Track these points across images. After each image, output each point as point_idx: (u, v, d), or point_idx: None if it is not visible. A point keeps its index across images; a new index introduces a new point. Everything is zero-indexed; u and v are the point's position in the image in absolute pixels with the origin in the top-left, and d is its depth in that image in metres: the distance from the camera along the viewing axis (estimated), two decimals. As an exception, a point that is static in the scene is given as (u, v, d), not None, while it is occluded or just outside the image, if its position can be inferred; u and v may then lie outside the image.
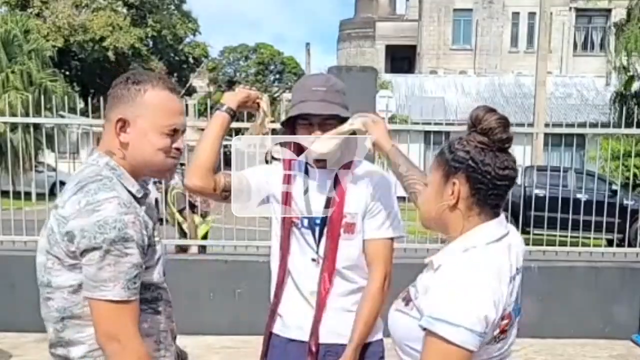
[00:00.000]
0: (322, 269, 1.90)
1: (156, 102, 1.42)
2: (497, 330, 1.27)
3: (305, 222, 1.93)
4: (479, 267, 1.26)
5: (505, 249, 1.34)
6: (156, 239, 1.44)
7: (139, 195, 1.43)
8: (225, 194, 1.91)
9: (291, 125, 1.93)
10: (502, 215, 1.40)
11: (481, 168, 1.31)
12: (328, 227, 1.90)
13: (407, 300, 1.35)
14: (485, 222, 1.34)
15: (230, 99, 1.93)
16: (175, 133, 1.46)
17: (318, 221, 1.92)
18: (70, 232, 1.31)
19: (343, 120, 1.86)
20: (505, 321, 1.28)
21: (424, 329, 1.24)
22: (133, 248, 1.31)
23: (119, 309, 1.31)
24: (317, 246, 1.92)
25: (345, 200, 1.90)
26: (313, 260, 1.92)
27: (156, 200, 5.48)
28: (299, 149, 1.98)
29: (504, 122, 1.34)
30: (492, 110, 1.35)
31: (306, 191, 1.94)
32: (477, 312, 1.20)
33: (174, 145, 1.46)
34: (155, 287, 1.44)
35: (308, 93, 1.89)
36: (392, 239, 1.95)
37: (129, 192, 1.41)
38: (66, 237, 1.32)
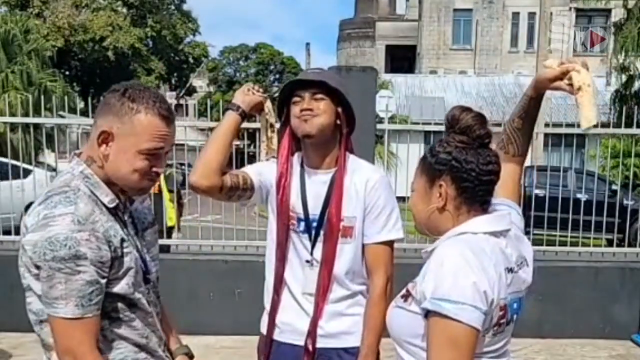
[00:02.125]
0: (320, 272, 1.88)
1: (144, 126, 1.39)
2: (495, 320, 1.27)
3: (302, 224, 1.91)
4: (473, 248, 1.28)
5: (502, 240, 1.35)
6: (125, 250, 1.40)
7: (111, 206, 1.41)
8: (230, 194, 1.90)
9: (288, 118, 1.94)
10: (504, 213, 1.40)
11: (465, 167, 1.33)
12: (326, 230, 1.87)
13: (406, 296, 1.35)
14: (478, 216, 1.35)
15: (243, 100, 1.94)
16: (155, 156, 1.43)
17: (315, 224, 1.89)
18: (25, 245, 1.32)
19: (334, 94, 1.86)
20: (501, 312, 1.28)
21: (427, 312, 1.23)
22: (86, 266, 1.29)
23: (73, 325, 1.30)
24: (312, 248, 1.90)
25: (343, 203, 1.87)
26: (307, 262, 1.90)
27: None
28: (296, 148, 1.97)
29: (481, 119, 1.37)
30: (467, 109, 1.38)
31: (303, 192, 1.92)
32: (477, 289, 1.21)
33: (154, 169, 1.43)
34: (124, 298, 1.42)
35: (302, 75, 1.97)
36: (392, 241, 1.93)
37: (102, 202, 1.39)
38: (23, 248, 1.32)
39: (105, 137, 1.39)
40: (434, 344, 1.23)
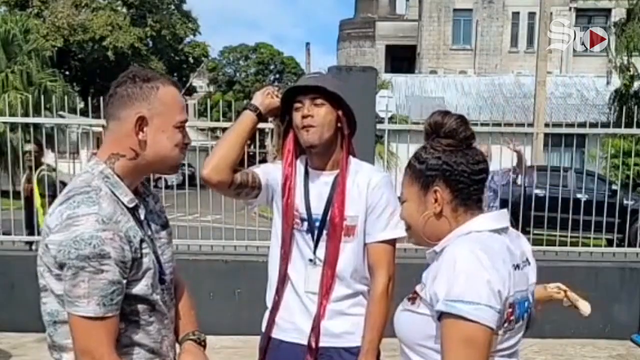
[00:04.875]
0: (324, 270, 1.89)
1: (169, 99, 1.44)
2: (505, 317, 1.27)
3: (305, 224, 1.93)
4: (484, 246, 1.28)
5: (505, 238, 1.36)
6: (144, 250, 1.41)
7: (131, 206, 1.41)
8: (238, 191, 1.93)
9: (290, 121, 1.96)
10: (505, 211, 1.43)
11: (457, 169, 1.34)
12: (329, 230, 1.90)
13: (413, 298, 1.35)
14: (479, 215, 1.36)
15: (261, 102, 1.97)
16: (184, 127, 1.48)
17: (317, 224, 1.92)
18: (48, 244, 1.31)
19: (332, 98, 1.88)
20: (510, 310, 1.28)
21: (441, 314, 1.23)
22: (110, 265, 1.29)
23: (93, 325, 1.29)
24: (315, 248, 1.92)
25: (345, 203, 1.90)
26: (310, 261, 1.92)
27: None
28: (300, 150, 1.99)
29: (463, 121, 1.39)
30: (447, 113, 1.40)
31: (306, 193, 1.94)
32: (490, 287, 1.21)
33: (185, 140, 1.48)
34: (143, 300, 1.42)
35: (302, 80, 2.00)
36: (394, 240, 1.94)
37: (122, 202, 1.39)
38: (47, 248, 1.32)
39: (141, 123, 1.40)
40: (450, 346, 1.23)
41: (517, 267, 1.33)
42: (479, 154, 1.38)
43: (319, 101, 1.87)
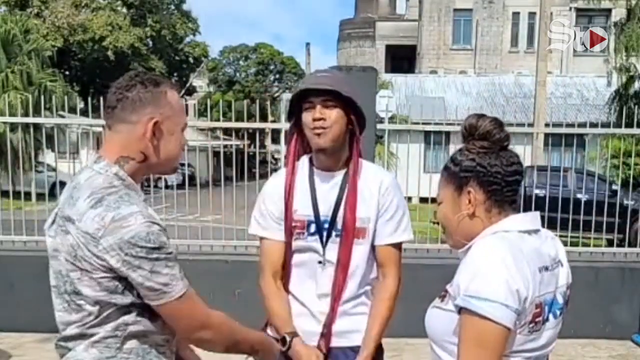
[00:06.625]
0: (336, 273, 1.87)
1: (175, 102, 1.48)
2: (529, 317, 1.28)
3: (313, 226, 1.90)
4: (509, 245, 1.30)
5: (536, 239, 1.37)
6: None
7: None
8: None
9: (299, 122, 1.91)
10: (537, 213, 1.44)
11: (490, 170, 1.36)
12: (341, 232, 1.87)
13: (443, 296, 1.37)
14: (513, 215, 1.38)
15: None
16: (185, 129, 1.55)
17: (326, 225, 1.89)
18: (106, 249, 1.31)
19: (343, 100, 1.83)
20: (537, 310, 1.29)
21: (460, 309, 1.25)
22: (171, 248, 1.38)
23: (192, 297, 1.40)
24: (324, 249, 1.89)
25: (357, 205, 1.87)
26: (320, 262, 1.89)
27: None
28: (304, 150, 1.96)
29: (498, 123, 1.40)
30: (482, 116, 1.42)
31: (313, 195, 1.90)
32: (509, 286, 1.22)
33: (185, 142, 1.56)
34: None
35: (313, 79, 1.96)
36: (401, 243, 1.94)
37: None
38: (103, 254, 1.31)
39: (155, 127, 1.44)
40: (463, 341, 1.25)
41: (545, 268, 1.35)
42: (513, 156, 1.40)
43: (330, 103, 1.82)
